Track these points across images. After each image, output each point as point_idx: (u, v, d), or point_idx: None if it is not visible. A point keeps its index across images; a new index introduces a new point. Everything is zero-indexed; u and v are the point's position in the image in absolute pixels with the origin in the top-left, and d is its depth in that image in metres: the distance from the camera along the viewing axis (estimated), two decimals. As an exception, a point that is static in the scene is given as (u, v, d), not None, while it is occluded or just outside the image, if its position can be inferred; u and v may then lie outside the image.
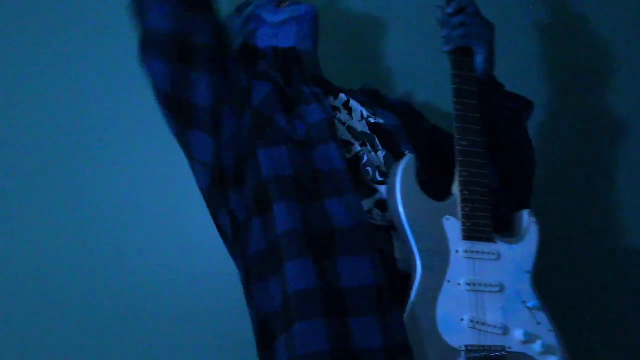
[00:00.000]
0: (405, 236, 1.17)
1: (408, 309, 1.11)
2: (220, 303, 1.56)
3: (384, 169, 1.25)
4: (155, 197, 1.58)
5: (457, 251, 1.18)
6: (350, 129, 1.27)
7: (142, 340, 1.54)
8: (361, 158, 1.24)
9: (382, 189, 1.22)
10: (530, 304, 1.19)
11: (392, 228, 1.19)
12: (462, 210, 1.20)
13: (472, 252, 1.18)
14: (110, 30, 1.60)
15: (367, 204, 1.20)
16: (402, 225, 1.17)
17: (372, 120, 1.32)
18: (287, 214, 1.12)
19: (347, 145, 1.24)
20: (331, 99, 1.32)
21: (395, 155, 1.27)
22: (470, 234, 1.19)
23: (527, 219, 1.26)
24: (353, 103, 1.33)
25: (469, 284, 1.16)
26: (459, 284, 1.16)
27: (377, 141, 1.29)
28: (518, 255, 1.22)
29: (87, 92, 1.59)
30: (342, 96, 1.34)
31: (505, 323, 1.16)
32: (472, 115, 1.26)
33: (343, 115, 1.30)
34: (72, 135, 1.57)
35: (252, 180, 1.18)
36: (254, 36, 1.40)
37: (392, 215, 1.19)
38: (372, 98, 1.42)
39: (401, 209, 1.17)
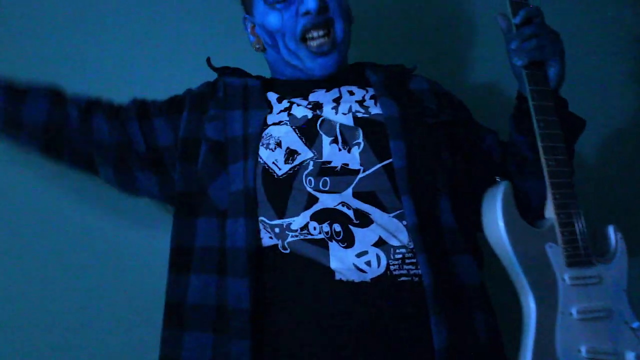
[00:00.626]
0: (513, 269, 1.12)
1: (530, 348, 1.07)
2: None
3: (355, 165, 1.19)
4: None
5: (563, 279, 1.14)
6: (325, 122, 1.25)
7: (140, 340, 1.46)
8: (306, 167, 1.19)
9: (323, 197, 1.17)
10: (634, 325, 1.17)
11: (329, 239, 1.14)
12: (562, 235, 1.16)
13: (578, 278, 1.15)
14: (112, 30, 1.55)
15: (303, 219, 1.16)
16: (510, 258, 1.12)
17: (359, 115, 1.26)
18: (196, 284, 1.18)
19: (293, 154, 1.20)
20: (322, 92, 1.30)
21: (377, 147, 1.21)
22: (573, 260, 1.15)
23: (613, 235, 1.24)
24: (344, 99, 1.29)
25: (580, 312, 1.13)
26: (571, 314, 1.12)
27: (360, 134, 1.22)
28: (615, 274, 1.20)
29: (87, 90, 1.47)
30: (335, 91, 1.31)
31: (616, 348, 1.14)
32: (554, 132, 1.21)
33: (325, 111, 1.26)
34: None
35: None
36: (273, 45, 1.35)
37: (496, 248, 1.13)
38: (393, 79, 1.36)
39: (507, 242, 1.12)
